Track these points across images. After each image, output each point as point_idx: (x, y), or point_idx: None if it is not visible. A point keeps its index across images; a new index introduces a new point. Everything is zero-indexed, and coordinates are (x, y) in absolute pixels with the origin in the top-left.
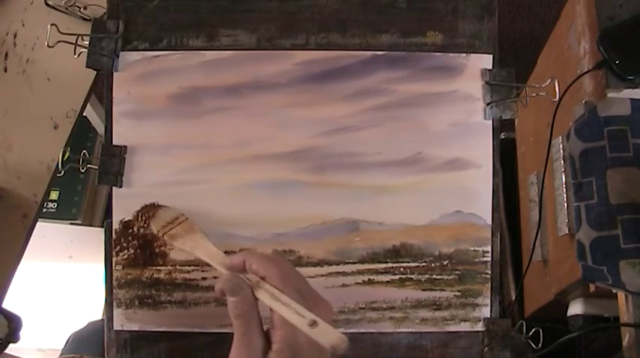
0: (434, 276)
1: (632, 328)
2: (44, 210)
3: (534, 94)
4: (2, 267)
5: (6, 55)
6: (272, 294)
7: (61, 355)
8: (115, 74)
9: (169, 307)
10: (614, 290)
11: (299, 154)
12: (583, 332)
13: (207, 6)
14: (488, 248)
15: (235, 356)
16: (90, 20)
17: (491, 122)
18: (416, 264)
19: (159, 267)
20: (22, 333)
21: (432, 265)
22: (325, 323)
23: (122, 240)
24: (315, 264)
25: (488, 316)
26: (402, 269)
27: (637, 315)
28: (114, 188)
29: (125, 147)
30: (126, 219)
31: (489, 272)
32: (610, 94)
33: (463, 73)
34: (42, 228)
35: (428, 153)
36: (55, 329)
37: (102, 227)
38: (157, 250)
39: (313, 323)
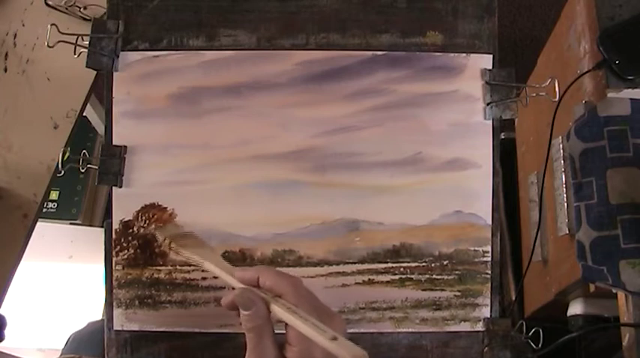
0: (434, 276)
1: (632, 328)
2: (44, 210)
3: (534, 94)
4: (2, 266)
5: (6, 55)
6: (289, 309)
7: (60, 355)
8: (115, 74)
9: (169, 307)
10: (614, 290)
11: (299, 154)
12: (583, 332)
13: (207, 6)
14: (488, 248)
15: None
16: (90, 20)
17: (491, 122)
18: (416, 264)
19: (159, 267)
20: (22, 333)
21: (432, 265)
22: (344, 338)
23: (122, 240)
24: (315, 264)
25: (488, 316)
26: (402, 269)
27: (637, 315)
28: (114, 188)
29: (125, 147)
30: (126, 219)
31: (489, 272)
32: (610, 94)
33: (463, 73)
34: (42, 228)
35: (428, 153)
36: (55, 329)
37: (102, 227)
38: (156, 250)
39: (334, 338)
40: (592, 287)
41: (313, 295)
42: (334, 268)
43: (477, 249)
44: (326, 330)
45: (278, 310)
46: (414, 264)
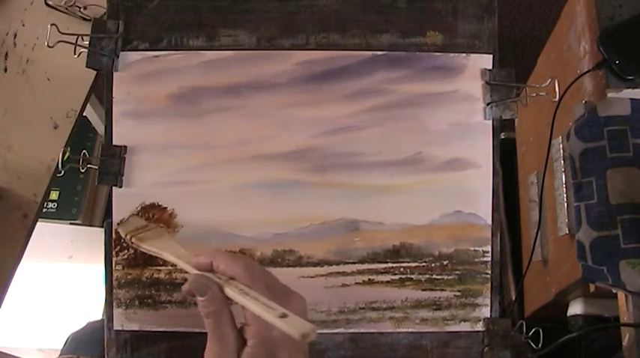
0: (434, 276)
1: (632, 328)
2: (44, 210)
3: (534, 94)
4: (2, 266)
5: (6, 55)
6: (241, 290)
7: (59, 355)
8: (115, 74)
9: (169, 307)
10: (614, 290)
11: (299, 154)
12: (583, 332)
13: (207, 6)
14: (488, 248)
15: (209, 353)
16: (90, 20)
17: (491, 122)
18: (416, 264)
19: (159, 267)
20: (22, 333)
21: (432, 265)
22: (294, 315)
23: (122, 239)
24: (315, 264)
25: (488, 316)
26: (402, 269)
27: (637, 315)
28: (114, 188)
29: (125, 147)
30: None
31: (489, 272)
32: (610, 94)
33: (463, 73)
34: (42, 228)
35: (428, 153)
36: (55, 329)
37: (102, 227)
38: None
39: (283, 316)
40: (592, 287)
41: (269, 274)
42: (334, 268)
43: (477, 249)
44: (275, 308)
45: (230, 292)
46: (414, 264)
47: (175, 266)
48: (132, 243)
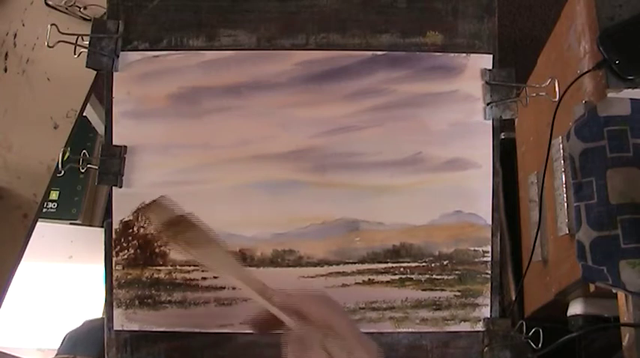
0: (434, 276)
1: (632, 328)
2: (44, 210)
3: (534, 94)
4: (2, 266)
5: (6, 55)
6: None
7: (56, 355)
8: (115, 74)
9: (169, 307)
10: (614, 290)
11: (299, 154)
12: (583, 332)
13: (207, 6)
14: (488, 248)
15: None
16: (90, 20)
17: (491, 122)
18: (416, 264)
19: (159, 267)
20: (22, 333)
21: (432, 265)
22: None
23: (122, 240)
24: (315, 264)
25: (488, 316)
26: (402, 269)
27: (637, 315)
28: (114, 188)
29: (125, 147)
30: (126, 219)
31: (489, 272)
32: (610, 94)
33: (463, 73)
34: (42, 228)
35: (428, 153)
36: (55, 330)
37: (102, 227)
38: (156, 250)
39: None
40: (592, 287)
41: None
42: (334, 268)
43: (477, 249)
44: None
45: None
46: (414, 264)
47: (175, 266)
48: (177, 244)
